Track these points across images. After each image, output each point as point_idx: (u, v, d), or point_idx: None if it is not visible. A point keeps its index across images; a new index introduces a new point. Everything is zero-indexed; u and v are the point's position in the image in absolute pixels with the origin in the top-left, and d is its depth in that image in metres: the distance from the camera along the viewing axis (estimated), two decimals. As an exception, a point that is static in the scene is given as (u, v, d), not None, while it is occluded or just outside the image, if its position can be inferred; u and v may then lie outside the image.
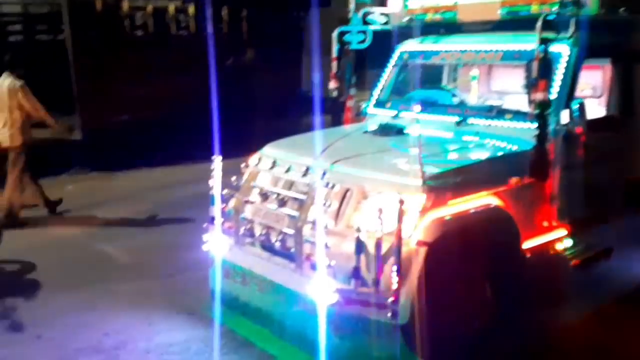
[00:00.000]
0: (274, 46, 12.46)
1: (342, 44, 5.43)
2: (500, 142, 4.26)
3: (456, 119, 4.66)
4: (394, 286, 3.32)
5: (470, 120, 4.59)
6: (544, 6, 4.49)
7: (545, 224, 4.27)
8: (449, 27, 5.23)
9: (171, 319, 4.61)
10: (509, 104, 4.99)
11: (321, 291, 3.50)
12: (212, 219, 4.57)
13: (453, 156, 4.21)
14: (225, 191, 4.45)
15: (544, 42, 3.99)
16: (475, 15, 4.98)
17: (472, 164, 3.92)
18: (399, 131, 4.59)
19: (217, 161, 4.60)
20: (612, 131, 4.65)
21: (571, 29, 4.30)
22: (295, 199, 3.86)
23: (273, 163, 4.24)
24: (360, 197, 3.66)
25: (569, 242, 4.37)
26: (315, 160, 4.04)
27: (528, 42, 4.47)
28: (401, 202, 3.34)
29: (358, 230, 3.41)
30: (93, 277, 5.43)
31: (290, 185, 4.05)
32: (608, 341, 4.12)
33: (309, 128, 5.25)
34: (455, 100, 5.15)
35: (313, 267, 3.65)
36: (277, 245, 3.88)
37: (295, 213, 3.77)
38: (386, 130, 4.62)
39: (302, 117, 10.46)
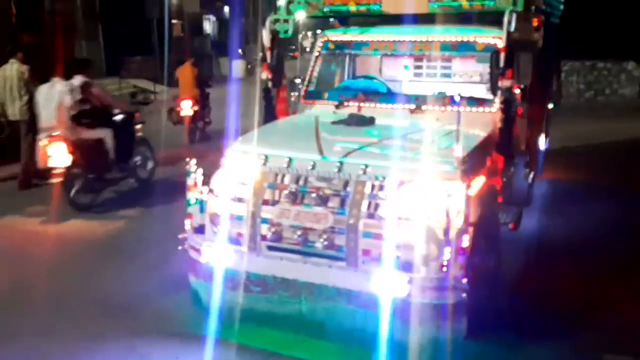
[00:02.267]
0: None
1: (273, 33, 5.29)
2: (466, 127, 4.67)
3: (409, 107, 4.95)
4: (461, 268, 3.54)
5: (424, 108, 4.94)
6: (475, 2, 5.03)
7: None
8: (370, 18, 5.47)
9: (164, 345, 4.10)
10: (434, 91, 5.44)
11: (390, 284, 3.54)
12: (199, 228, 4.20)
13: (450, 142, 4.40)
14: (210, 195, 4.13)
15: (509, 35, 4.51)
16: (402, 8, 5.29)
17: (474, 148, 4.26)
18: (371, 120, 4.71)
19: (193, 164, 4.23)
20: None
21: (509, 23, 4.89)
22: (335, 195, 3.77)
23: (265, 159, 4.02)
24: (400, 188, 3.72)
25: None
26: (318, 155, 3.96)
27: (469, 34, 4.98)
28: (450, 188, 3.56)
29: (425, 220, 3.52)
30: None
31: (304, 182, 3.90)
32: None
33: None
34: (389, 89, 5.43)
35: (370, 262, 3.66)
36: (320, 245, 3.75)
37: (344, 210, 3.69)
38: (359, 120, 4.69)
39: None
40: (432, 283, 3.53)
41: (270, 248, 3.92)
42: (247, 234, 3.94)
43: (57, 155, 6.60)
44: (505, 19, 4.62)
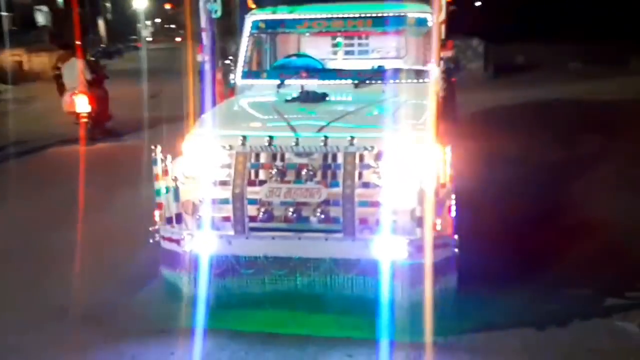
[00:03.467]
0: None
1: (207, 14, 5.12)
2: (410, 98, 4.90)
3: (351, 82, 5.08)
4: (451, 226, 3.78)
5: (368, 82, 5.09)
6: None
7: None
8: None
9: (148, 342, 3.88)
10: (368, 66, 5.62)
11: (390, 249, 3.68)
12: (174, 218, 4.02)
13: (414, 111, 4.47)
14: (183, 182, 3.99)
15: (447, 8, 4.80)
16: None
17: (435, 116, 4.47)
18: (325, 96, 4.76)
19: (159, 151, 4.04)
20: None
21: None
22: (325, 168, 3.80)
23: (243, 140, 3.94)
24: (388, 156, 3.85)
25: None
26: (292, 132, 3.96)
27: (399, 9, 5.22)
28: (433, 152, 3.78)
29: (416, 183, 3.68)
30: None
31: (289, 159, 3.88)
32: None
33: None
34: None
35: (367, 229, 3.75)
36: (315, 219, 3.77)
37: (337, 182, 3.74)
38: (315, 97, 4.71)
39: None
40: (428, 243, 3.71)
41: (258, 229, 3.87)
42: (234, 216, 3.85)
43: (81, 104, 10.60)
44: None
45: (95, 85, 11.01)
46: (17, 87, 20.15)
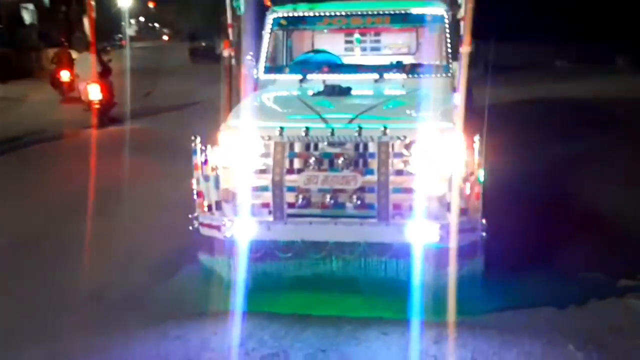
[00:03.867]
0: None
1: (233, 10, 5.30)
2: (432, 91, 5.10)
3: (373, 76, 5.28)
4: (479, 210, 4.00)
5: (387, 77, 5.29)
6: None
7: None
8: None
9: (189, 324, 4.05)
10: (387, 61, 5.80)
11: (423, 232, 3.89)
12: (214, 205, 4.19)
13: (440, 104, 4.65)
14: (223, 171, 4.17)
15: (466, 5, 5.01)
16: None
17: (458, 107, 4.68)
18: (349, 90, 4.94)
19: (198, 142, 4.22)
20: None
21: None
22: (360, 157, 4.00)
23: (280, 130, 4.12)
24: (419, 145, 4.05)
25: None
26: (328, 122, 4.15)
27: (418, 6, 5.43)
28: (461, 141, 4.00)
29: (447, 171, 3.90)
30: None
31: (326, 148, 4.07)
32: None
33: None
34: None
35: (401, 215, 3.96)
36: (351, 205, 3.97)
37: (372, 170, 3.94)
38: (340, 90, 4.88)
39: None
40: (458, 227, 3.93)
41: (296, 215, 4.06)
42: (273, 203, 4.04)
43: (94, 92, 12.26)
44: None
45: (104, 76, 12.69)
46: (6, 86, 20.07)
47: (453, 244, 3.92)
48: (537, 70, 19.19)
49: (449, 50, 5.19)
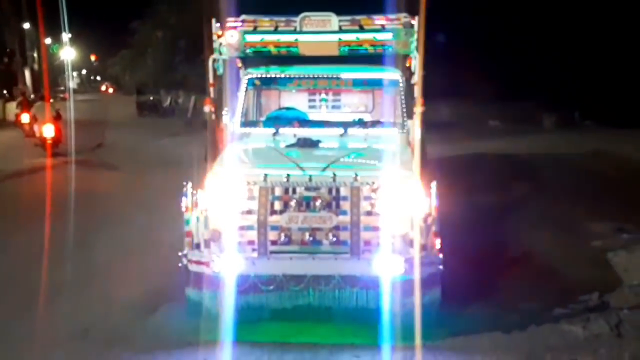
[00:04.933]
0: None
1: (214, 71, 5.92)
2: (392, 144, 5.77)
3: (339, 131, 5.95)
4: (438, 246, 4.66)
5: (350, 132, 5.97)
6: (377, 47, 6.26)
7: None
8: (289, 59, 6.36)
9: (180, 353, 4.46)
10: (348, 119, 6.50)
11: (389, 266, 4.50)
12: (204, 243, 4.68)
13: (401, 155, 5.34)
14: (210, 213, 4.69)
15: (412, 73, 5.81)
16: (316, 51, 6.28)
17: (417, 158, 5.37)
18: (318, 142, 5.58)
19: (189, 187, 4.75)
20: None
21: (405, 62, 6.18)
22: (335, 200, 4.61)
23: (264, 177, 4.69)
24: (385, 190, 4.70)
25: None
26: (304, 170, 4.76)
27: (376, 72, 6.21)
28: (420, 187, 4.70)
29: (410, 212, 4.56)
30: None
31: (304, 192, 4.66)
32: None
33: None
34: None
35: (370, 250, 4.57)
36: (327, 242, 4.55)
37: (345, 211, 4.55)
38: (311, 142, 5.53)
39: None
40: (420, 260, 4.56)
41: (277, 252, 4.61)
42: (258, 240, 4.58)
43: (49, 131, 15.51)
44: (413, 61, 5.89)
45: (56, 119, 16.40)
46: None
47: (416, 275, 4.54)
48: (472, 127, 20.49)
49: (404, 110, 5.95)
